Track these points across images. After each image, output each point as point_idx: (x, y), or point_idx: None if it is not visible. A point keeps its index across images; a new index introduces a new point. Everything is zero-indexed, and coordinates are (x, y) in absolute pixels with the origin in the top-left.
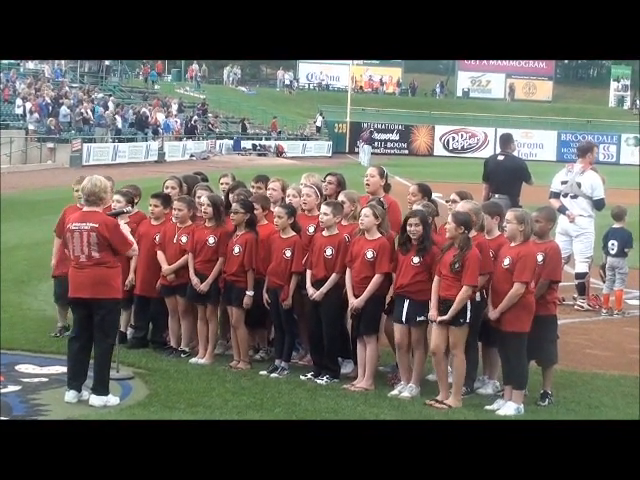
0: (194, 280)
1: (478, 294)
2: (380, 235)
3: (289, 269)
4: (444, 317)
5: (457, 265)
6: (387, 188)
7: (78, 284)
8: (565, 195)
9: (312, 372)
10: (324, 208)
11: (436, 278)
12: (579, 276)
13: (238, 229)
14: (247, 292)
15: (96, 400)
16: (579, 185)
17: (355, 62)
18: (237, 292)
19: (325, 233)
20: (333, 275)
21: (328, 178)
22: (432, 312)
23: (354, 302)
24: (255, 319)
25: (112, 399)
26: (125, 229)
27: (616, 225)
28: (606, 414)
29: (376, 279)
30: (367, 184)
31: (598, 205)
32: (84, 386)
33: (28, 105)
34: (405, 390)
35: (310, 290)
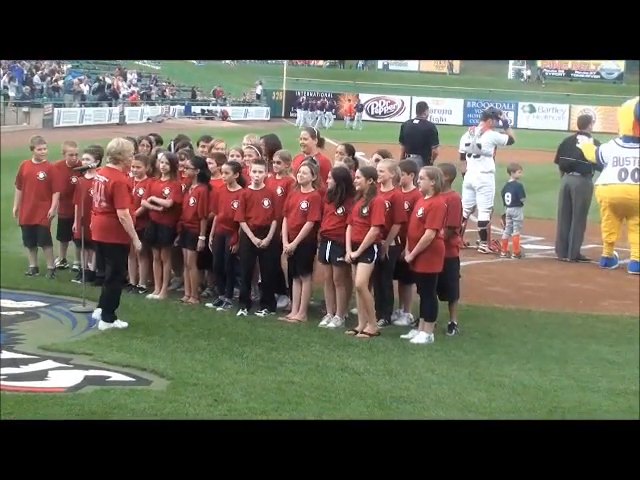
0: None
1: (393, 240)
2: (313, 189)
3: None
4: (354, 253)
5: (365, 210)
6: (321, 143)
7: (92, 228)
8: (469, 155)
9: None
10: (255, 166)
11: (349, 226)
12: (481, 224)
13: (193, 183)
14: (200, 237)
15: (103, 325)
16: (479, 146)
17: None
18: (191, 237)
19: (254, 187)
20: (274, 223)
21: (302, 132)
22: (347, 254)
23: (287, 246)
24: (205, 260)
25: (119, 323)
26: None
27: (510, 179)
28: (503, 341)
29: (307, 226)
30: (302, 145)
31: (510, 143)
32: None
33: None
34: (331, 321)
35: (255, 240)
